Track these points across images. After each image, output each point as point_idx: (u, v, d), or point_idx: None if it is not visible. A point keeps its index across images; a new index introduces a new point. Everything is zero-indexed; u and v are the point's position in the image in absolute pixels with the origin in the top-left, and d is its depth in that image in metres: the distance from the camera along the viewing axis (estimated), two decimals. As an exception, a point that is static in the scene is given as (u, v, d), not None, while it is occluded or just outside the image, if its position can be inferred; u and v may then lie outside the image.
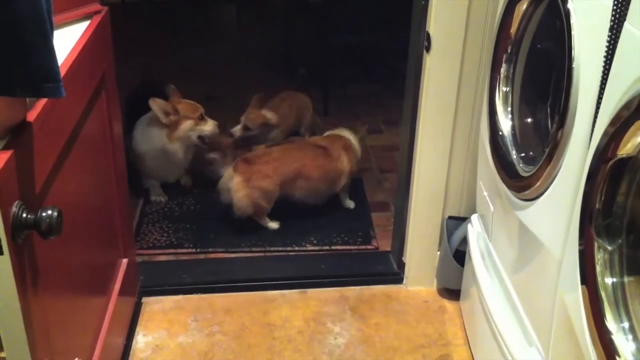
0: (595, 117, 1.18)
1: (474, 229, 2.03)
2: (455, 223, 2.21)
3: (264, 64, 4.20)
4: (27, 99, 1.13)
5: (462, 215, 2.22)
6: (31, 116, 1.13)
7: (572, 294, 1.19)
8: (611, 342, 1.04)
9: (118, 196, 1.91)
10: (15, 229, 1.01)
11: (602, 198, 1.10)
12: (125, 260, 1.98)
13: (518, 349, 1.57)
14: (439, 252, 2.27)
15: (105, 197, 1.82)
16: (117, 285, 1.86)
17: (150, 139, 2.71)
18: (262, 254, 2.51)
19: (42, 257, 1.17)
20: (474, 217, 2.06)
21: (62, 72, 1.13)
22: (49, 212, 1.05)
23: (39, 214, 1.05)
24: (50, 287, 1.25)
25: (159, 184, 2.84)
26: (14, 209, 1.02)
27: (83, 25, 1.61)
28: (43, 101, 1.18)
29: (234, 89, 3.37)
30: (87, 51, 1.50)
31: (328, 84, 3.65)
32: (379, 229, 2.64)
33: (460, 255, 2.16)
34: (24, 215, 1.03)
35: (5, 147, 1.03)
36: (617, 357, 1.01)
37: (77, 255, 1.52)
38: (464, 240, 2.11)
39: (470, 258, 2.00)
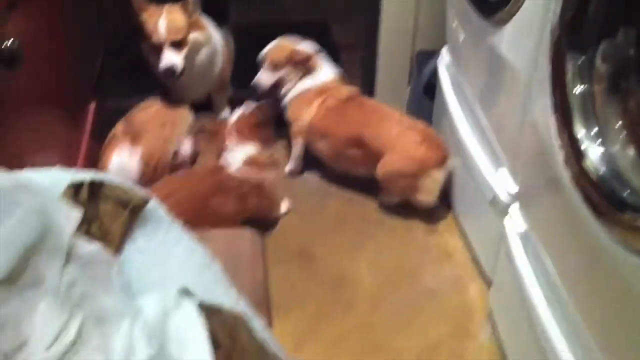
0: None
1: (444, 60, 2.02)
2: (425, 57, 2.19)
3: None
4: None
5: (433, 48, 2.19)
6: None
7: (542, 107, 1.20)
8: (581, 150, 1.07)
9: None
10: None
11: (575, 8, 1.08)
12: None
13: (489, 170, 1.63)
14: (409, 88, 2.27)
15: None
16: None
17: None
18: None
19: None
20: (444, 50, 2.04)
21: None
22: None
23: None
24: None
25: None
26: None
27: None
28: None
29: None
30: None
31: None
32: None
33: (430, 90, 2.16)
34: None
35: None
36: (584, 159, 1.05)
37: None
38: (435, 74, 2.10)
39: (440, 89, 2.00)
